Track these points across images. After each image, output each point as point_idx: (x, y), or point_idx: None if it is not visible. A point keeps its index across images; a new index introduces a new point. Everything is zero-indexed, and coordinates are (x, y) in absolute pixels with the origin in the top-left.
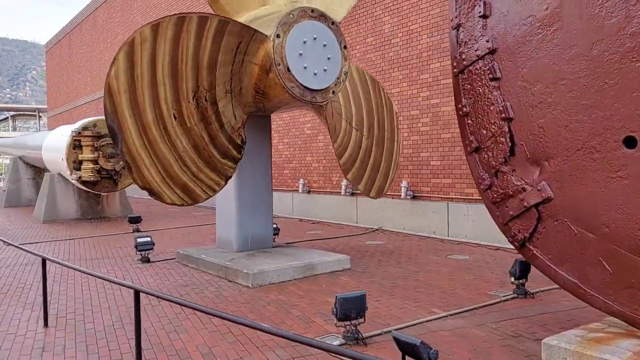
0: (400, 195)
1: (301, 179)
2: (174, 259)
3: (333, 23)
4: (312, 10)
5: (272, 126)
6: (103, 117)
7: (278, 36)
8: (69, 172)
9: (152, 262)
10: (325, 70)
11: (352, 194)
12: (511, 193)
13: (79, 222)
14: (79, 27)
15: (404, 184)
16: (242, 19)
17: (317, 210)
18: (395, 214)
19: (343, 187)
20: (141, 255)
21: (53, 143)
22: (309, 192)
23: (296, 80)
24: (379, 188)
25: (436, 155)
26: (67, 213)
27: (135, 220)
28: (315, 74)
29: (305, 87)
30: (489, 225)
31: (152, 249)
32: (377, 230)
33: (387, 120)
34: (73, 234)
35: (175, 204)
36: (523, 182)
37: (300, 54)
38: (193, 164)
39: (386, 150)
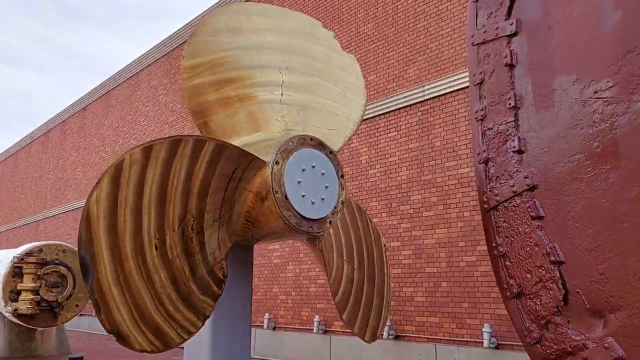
0: (382, 334)
1: (266, 313)
2: None
3: (331, 152)
4: (311, 139)
5: None
6: (50, 242)
7: (277, 163)
8: (2, 304)
9: None
10: (322, 199)
11: (325, 332)
12: (570, 350)
13: None
14: (28, 148)
15: (387, 322)
16: (234, 144)
17: (283, 349)
18: (375, 355)
19: (315, 323)
20: None
21: None
22: (274, 328)
23: (293, 209)
24: (373, 329)
25: (420, 290)
26: None
27: None
28: (313, 203)
29: (302, 216)
30: None
31: None
32: None
33: (376, 253)
34: None
35: (145, 351)
36: (583, 336)
37: (299, 182)
38: (170, 302)
39: (377, 285)
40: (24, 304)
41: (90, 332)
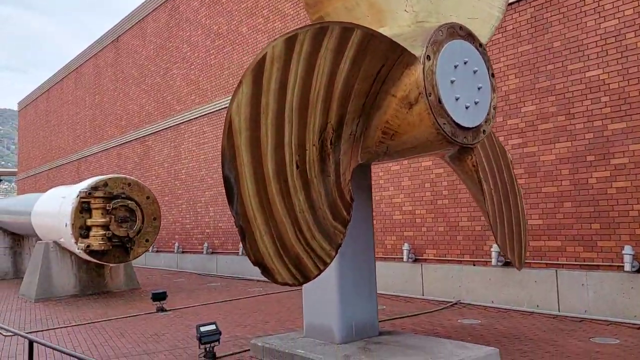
0: (491, 261)
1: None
2: (246, 351)
3: (480, 45)
4: (460, 28)
5: None
6: (114, 175)
7: (428, 58)
8: (73, 240)
9: (219, 357)
10: (476, 103)
11: (415, 261)
12: None
13: (79, 300)
14: (59, 86)
15: (494, 247)
16: None
17: None
18: (478, 284)
19: (405, 252)
20: (205, 349)
21: (49, 207)
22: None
23: (448, 115)
24: (518, 254)
25: (536, 212)
26: (64, 289)
27: (160, 297)
28: (466, 108)
29: (457, 124)
30: (617, 297)
31: (218, 340)
32: (455, 304)
33: (505, 170)
34: (82, 316)
35: (287, 284)
36: None
37: (452, 82)
38: (307, 229)
39: (513, 207)
40: (96, 240)
41: (146, 267)
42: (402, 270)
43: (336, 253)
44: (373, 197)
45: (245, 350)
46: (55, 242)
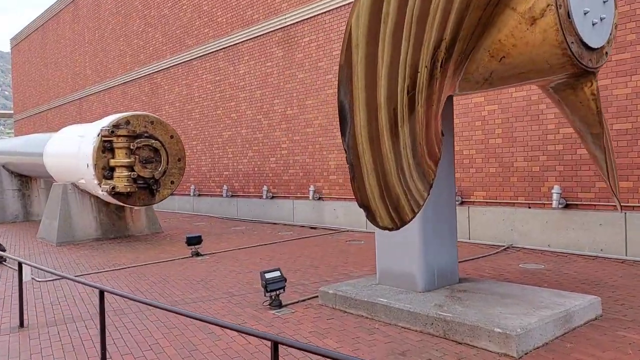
0: (550, 204)
1: None
2: (311, 298)
3: None
4: None
5: (337, 123)
6: (136, 112)
7: None
8: (95, 182)
9: (285, 305)
10: (602, 19)
11: (462, 203)
12: None
13: (102, 244)
14: (55, 20)
15: (556, 189)
16: None
17: None
18: (533, 227)
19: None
20: (271, 297)
21: (65, 147)
22: None
23: (576, 32)
24: (617, 195)
25: None
26: (85, 232)
27: (195, 241)
28: (593, 25)
29: (584, 44)
30: None
31: (284, 287)
32: (507, 248)
33: None
34: (113, 261)
35: (387, 228)
36: None
37: None
38: (407, 167)
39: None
40: (121, 182)
41: (158, 210)
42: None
43: (428, 195)
44: None
45: (310, 298)
46: (74, 184)
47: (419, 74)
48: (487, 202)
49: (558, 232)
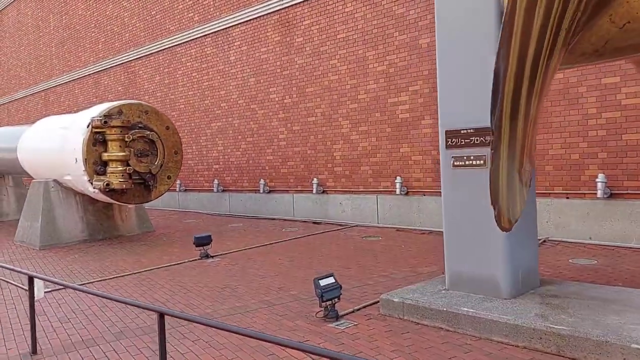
0: (591, 193)
1: (398, 177)
2: (370, 305)
3: None
4: None
5: (342, 111)
6: (128, 101)
7: None
8: (86, 178)
9: (342, 316)
10: None
11: None
12: None
13: (91, 246)
14: (16, 5)
15: (601, 177)
16: None
17: (419, 215)
18: (572, 219)
19: None
20: (326, 307)
21: (46, 140)
22: (407, 193)
23: None
24: None
25: None
26: (71, 234)
27: (204, 241)
28: None
29: None
30: None
31: (339, 296)
32: (544, 241)
33: None
34: (113, 266)
35: (506, 229)
36: None
37: None
38: (528, 153)
39: None
40: (116, 177)
41: (147, 208)
42: None
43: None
44: (434, 125)
45: (366, 306)
46: (56, 181)
47: (558, 38)
48: None
49: (600, 224)
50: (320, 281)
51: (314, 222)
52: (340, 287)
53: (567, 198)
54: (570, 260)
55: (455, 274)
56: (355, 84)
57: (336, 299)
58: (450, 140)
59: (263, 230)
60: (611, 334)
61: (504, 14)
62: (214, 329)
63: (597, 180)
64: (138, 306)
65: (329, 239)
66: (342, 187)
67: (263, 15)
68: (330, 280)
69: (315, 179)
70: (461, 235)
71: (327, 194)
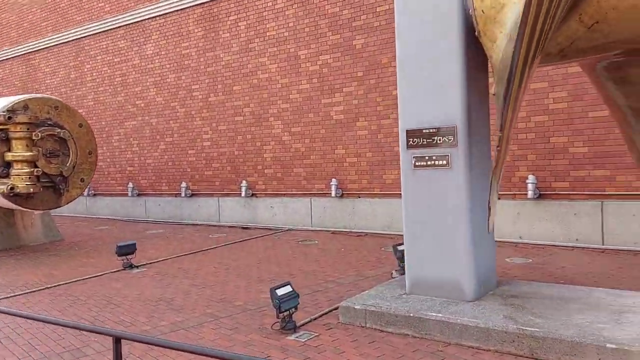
0: (521, 194)
1: (333, 179)
2: (326, 313)
3: None
4: None
5: (273, 111)
6: (35, 95)
7: None
8: None
9: (300, 326)
10: None
11: None
12: None
13: None
14: None
15: (530, 179)
16: None
17: (355, 217)
18: (503, 219)
19: None
20: (284, 317)
21: None
22: (342, 195)
23: None
24: None
25: (580, 140)
26: None
27: (129, 250)
28: None
29: None
30: None
31: (297, 306)
32: None
33: None
34: (20, 280)
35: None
36: None
37: None
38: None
39: None
40: (21, 180)
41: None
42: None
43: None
44: (369, 127)
45: (322, 315)
46: None
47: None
48: None
49: (531, 224)
50: (277, 291)
51: (243, 227)
52: (298, 295)
53: (499, 199)
54: (507, 260)
55: (417, 278)
56: (286, 83)
57: (293, 309)
58: (411, 140)
59: (187, 237)
60: (585, 335)
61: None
62: (159, 347)
63: (527, 181)
64: (91, 331)
65: (263, 244)
66: (273, 189)
67: (185, 9)
68: (288, 289)
69: (244, 182)
70: (423, 237)
71: (257, 197)
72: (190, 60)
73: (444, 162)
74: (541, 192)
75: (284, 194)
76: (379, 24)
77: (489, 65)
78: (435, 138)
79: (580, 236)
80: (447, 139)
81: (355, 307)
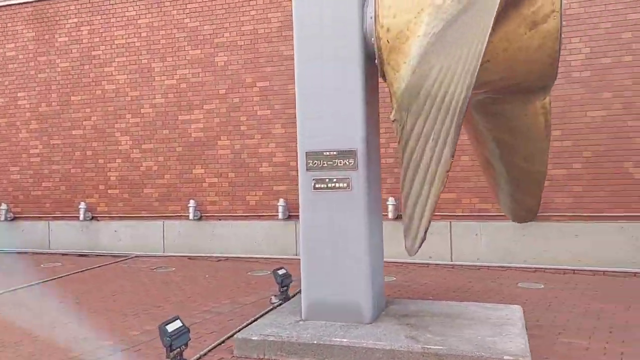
0: (387, 215)
1: (191, 200)
2: (220, 344)
3: None
4: None
5: (120, 125)
6: None
7: None
8: None
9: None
10: None
11: (289, 217)
12: None
13: None
14: None
15: (391, 200)
16: None
17: (212, 241)
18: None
19: (280, 208)
20: (174, 356)
21: None
22: (200, 218)
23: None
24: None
25: None
26: None
27: None
28: None
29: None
30: (509, 244)
31: (188, 342)
32: None
33: None
34: None
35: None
36: None
37: None
38: None
39: (546, 155)
40: None
41: None
42: (277, 228)
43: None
44: (232, 146)
45: (213, 348)
46: None
47: None
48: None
49: (390, 243)
50: (166, 327)
51: (80, 255)
52: (189, 330)
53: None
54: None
55: (315, 302)
56: (137, 96)
57: (184, 346)
58: (311, 161)
59: (12, 267)
60: (482, 349)
61: None
62: None
63: (388, 202)
64: None
65: (112, 274)
66: (118, 212)
67: (11, 5)
68: (177, 324)
69: (82, 203)
70: (321, 261)
71: (98, 220)
72: (16, 64)
73: (344, 184)
74: (399, 213)
75: (132, 216)
76: (243, 43)
77: (390, 92)
78: (336, 160)
79: (433, 254)
80: (348, 161)
81: (253, 338)
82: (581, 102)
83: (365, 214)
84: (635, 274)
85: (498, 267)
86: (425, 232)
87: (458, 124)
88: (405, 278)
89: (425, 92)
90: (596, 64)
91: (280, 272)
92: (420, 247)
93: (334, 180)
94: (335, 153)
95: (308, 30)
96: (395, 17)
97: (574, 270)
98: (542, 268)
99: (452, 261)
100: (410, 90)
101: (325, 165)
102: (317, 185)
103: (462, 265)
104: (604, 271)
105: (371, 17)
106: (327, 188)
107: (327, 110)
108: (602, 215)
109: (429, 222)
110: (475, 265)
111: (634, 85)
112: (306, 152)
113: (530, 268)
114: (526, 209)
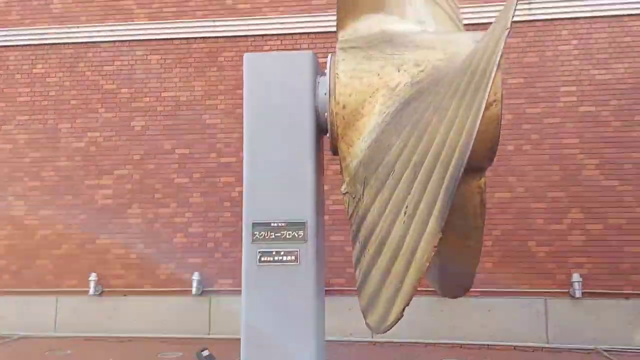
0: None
1: (92, 274)
2: None
3: None
4: None
5: (14, 188)
6: None
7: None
8: None
9: None
10: None
11: (203, 293)
12: None
13: None
14: None
15: None
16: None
17: (115, 319)
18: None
19: (195, 282)
20: None
21: None
22: (101, 293)
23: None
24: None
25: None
26: None
27: None
28: None
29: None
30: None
31: None
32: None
33: None
34: None
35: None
36: None
37: None
38: None
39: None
40: None
41: None
42: (190, 305)
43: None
44: (144, 215)
45: None
46: None
47: None
48: (234, 290)
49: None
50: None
51: None
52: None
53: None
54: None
55: None
56: (38, 157)
57: None
58: (257, 233)
59: None
60: None
61: None
62: None
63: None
64: None
65: None
66: (2, 286)
67: None
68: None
69: None
70: (264, 340)
71: None
72: None
73: (292, 257)
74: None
75: (19, 292)
76: (163, 109)
77: (341, 166)
78: (284, 232)
79: (354, 330)
80: (297, 234)
81: None
82: (490, 184)
83: (314, 290)
84: (542, 348)
85: (419, 343)
86: (404, 309)
87: (450, 192)
88: (334, 357)
89: (387, 164)
90: (501, 150)
91: (204, 353)
92: (393, 325)
93: (282, 253)
94: (283, 224)
95: (258, 100)
96: (351, 95)
97: (488, 345)
98: (458, 344)
99: (372, 338)
100: (366, 164)
101: (273, 236)
102: (263, 259)
103: (382, 343)
104: (514, 346)
105: (325, 93)
106: (274, 262)
107: (276, 181)
108: (511, 291)
109: (411, 297)
110: (397, 342)
111: (535, 171)
112: (253, 223)
113: (448, 344)
114: (458, 284)
